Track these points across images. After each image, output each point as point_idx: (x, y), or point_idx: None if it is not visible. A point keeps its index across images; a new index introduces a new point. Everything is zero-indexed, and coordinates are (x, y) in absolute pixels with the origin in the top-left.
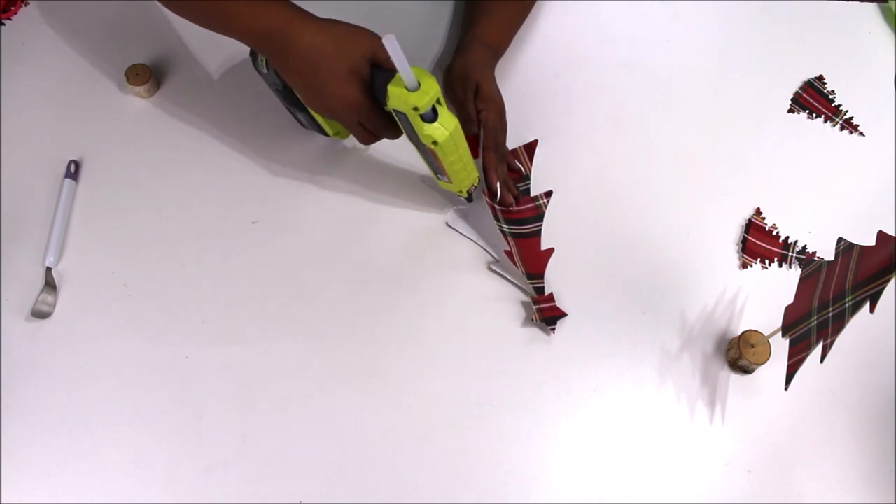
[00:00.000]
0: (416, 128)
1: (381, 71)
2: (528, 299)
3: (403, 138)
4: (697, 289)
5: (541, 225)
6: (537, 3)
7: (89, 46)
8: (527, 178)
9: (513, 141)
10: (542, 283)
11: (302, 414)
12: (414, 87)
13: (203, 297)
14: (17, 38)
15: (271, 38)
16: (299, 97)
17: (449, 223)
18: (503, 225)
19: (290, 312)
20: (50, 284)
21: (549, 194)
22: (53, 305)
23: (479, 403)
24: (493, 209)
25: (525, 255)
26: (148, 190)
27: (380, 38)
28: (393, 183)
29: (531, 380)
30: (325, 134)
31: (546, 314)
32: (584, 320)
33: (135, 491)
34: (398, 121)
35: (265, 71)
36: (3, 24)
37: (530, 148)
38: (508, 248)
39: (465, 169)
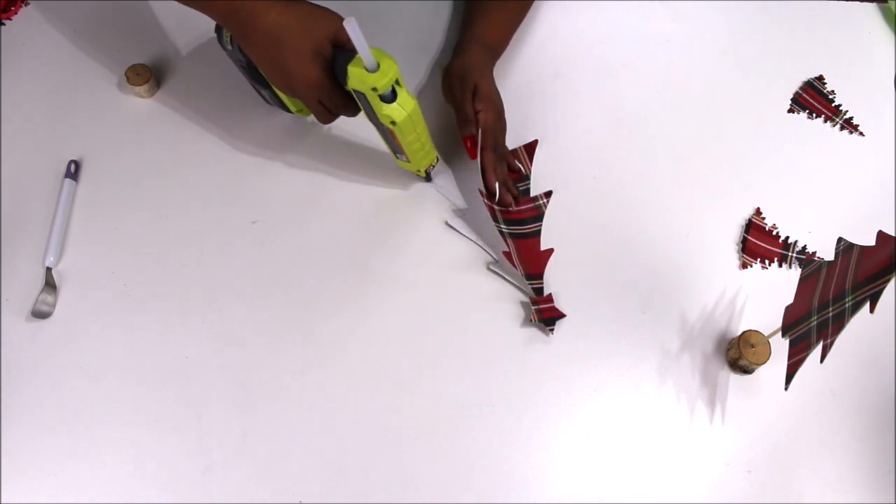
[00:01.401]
0: (374, 108)
1: (343, 51)
2: (527, 299)
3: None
4: (697, 289)
5: (540, 225)
6: (536, 3)
7: (89, 46)
8: (527, 178)
9: (513, 141)
10: (542, 283)
11: (302, 414)
12: (373, 68)
13: (203, 297)
14: (17, 38)
15: (236, 13)
16: (262, 74)
17: (448, 223)
18: (502, 226)
19: (290, 312)
20: (50, 284)
21: (548, 194)
22: (53, 305)
23: (479, 403)
24: (492, 210)
25: (524, 256)
26: (148, 190)
27: (342, 19)
28: (392, 182)
29: (531, 380)
30: (288, 111)
31: (545, 315)
32: (584, 320)
33: (135, 491)
34: (357, 100)
35: (229, 47)
36: (3, 24)
37: (530, 148)
38: (507, 249)
39: (423, 149)
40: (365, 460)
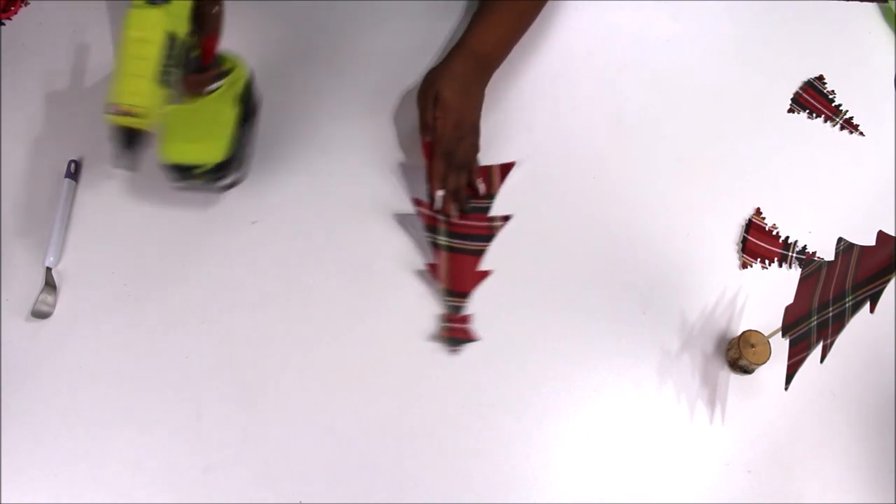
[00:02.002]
0: None
1: None
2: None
3: None
4: (697, 289)
5: (486, 246)
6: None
7: (89, 46)
8: (491, 197)
9: (512, 142)
10: (464, 303)
11: (302, 413)
12: None
13: (203, 297)
14: (17, 38)
15: None
16: None
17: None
18: (441, 237)
19: (289, 312)
20: (50, 284)
21: (506, 218)
22: (53, 305)
23: (479, 403)
24: (431, 220)
25: (455, 272)
26: (148, 190)
27: None
28: (391, 181)
29: (531, 380)
30: None
31: (454, 334)
32: (585, 320)
33: (135, 491)
34: None
35: None
36: (3, 24)
37: (505, 168)
38: (433, 262)
39: (136, 74)
40: (365, 460)
